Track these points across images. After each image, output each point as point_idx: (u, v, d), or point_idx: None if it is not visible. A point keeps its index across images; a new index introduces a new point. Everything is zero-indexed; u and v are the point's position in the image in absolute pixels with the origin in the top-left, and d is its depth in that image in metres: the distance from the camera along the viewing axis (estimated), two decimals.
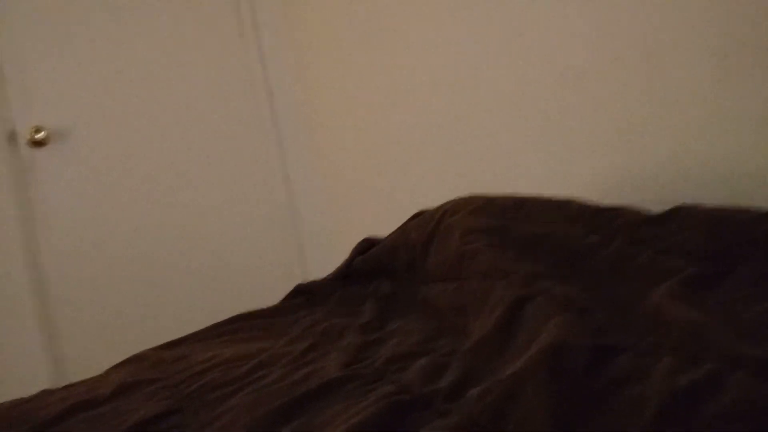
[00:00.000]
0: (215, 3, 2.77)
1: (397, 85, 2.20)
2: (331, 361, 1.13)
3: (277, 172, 2.80)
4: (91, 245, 2.61)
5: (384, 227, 1.70)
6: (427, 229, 1.49)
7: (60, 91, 2.60)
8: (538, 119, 1.71)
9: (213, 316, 1.66)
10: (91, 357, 2.41)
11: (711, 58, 1.30)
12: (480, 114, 1.88)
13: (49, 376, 2.49)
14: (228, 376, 1.14)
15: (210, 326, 1.52)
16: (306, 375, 1.08)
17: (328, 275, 1.68)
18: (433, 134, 2.07)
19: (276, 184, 2.81)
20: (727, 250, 1.02)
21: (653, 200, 1.28)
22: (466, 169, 1.96)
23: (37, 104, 2.56)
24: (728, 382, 0.69)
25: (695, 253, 1.05)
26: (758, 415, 0.64)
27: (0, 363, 2.47)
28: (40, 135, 2.53)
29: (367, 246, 1.67)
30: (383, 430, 0.85)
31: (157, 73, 2.70)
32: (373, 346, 1.19)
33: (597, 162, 1.57)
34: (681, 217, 1.15)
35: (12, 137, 2.54)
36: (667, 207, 1.20)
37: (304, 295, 1.64)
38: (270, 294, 1.91)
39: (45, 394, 1.28)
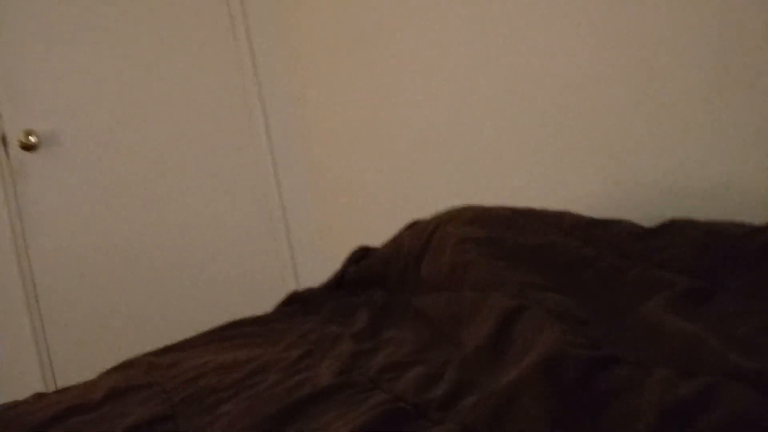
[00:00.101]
0: (206, 7, 2.77)
1: (392, 93, 2.20)
2: (325, 369, 1.13)
3: (269, 178, 2.80)
4: (81, 249, 2.60)
5: (377, 236, 1.70)
6: (421, 239, 1.49)
7: (51, 95, 2.60)
8: (533, 131, 1.72)
9: (204, 322, 1.66)
10: (82, 361, 2.42)
11: (706, 74, 1.31)
12: (475, 125, 1.88)
13: (41, 381, 2.48)
14: (222, 382, 1.14)
15: (204, 332, 1.52)
16: (300, 382, 1.08)
17: (322, 283, 1.68)
18: (428, 144, 2.08)
19: (268, 190, 2.81)
20: (720, 264, 1.03)
21: (647, 214, 1.30)
22: (461, 180, 1.97)
23: (27, 108, 2.56)
24: (723, 394, 0.70)
25: (688, 267, 1.06)
26: (752, 428, 0.65)
27: None
28: (31, 139, 2.53)
29: (361, 254, 1.68)
30: None
31: (149, 77, 2.71)
32: (366, 355, 1.19)
33: (592, 175, 1.58)
34: (674, 231, 1.16)
35: (2, 141, 2.54)
36: (660, 221, 1.21)
37: (297, 303, 1.64)
38: (261, 301, 1.92)
39: (38, 397, 1.27)
